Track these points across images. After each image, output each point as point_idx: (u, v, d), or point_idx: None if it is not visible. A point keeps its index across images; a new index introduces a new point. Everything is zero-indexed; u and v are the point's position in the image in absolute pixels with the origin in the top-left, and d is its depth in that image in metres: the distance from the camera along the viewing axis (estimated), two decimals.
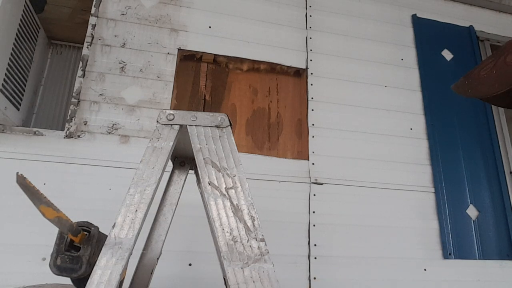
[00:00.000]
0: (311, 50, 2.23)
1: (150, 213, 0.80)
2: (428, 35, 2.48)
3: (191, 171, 1.08)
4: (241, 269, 0.69)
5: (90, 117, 1.79)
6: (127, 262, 0.70)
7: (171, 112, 0.85)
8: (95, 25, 1.92)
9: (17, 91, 1.87)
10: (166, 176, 0.99)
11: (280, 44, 2.19)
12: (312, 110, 2.11)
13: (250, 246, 0.72)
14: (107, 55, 1.90)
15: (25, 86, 1.97)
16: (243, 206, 0.76)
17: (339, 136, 2.10)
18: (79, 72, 1.82)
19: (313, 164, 2.00)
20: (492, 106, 2.42)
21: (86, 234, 0.71)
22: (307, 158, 2.02)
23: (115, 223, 0.72)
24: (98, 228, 0.75)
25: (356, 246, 1.91)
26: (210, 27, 2.10)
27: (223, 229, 0.73)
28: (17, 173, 0.56)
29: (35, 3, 1.99)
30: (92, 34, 1.90)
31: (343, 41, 2.32)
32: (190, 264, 1.69)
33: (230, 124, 0.85)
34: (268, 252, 0.72)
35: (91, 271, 0.67)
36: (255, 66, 2.15)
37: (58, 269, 0.69)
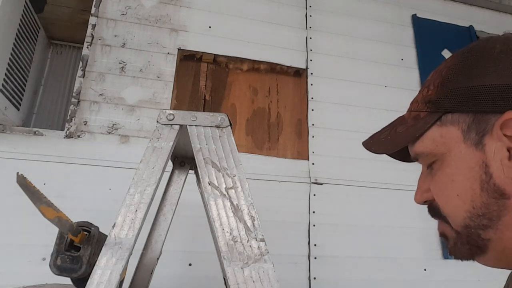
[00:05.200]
0: (311, 50, 2.23)
1: (150, 213, 0.80)
2: (428, 35, 2.48)
3: (191, 171, 1.08)
4: (241, 269, 0.69)
5: (90, 117, 1.79)
6: (127, 262, 0.70)
7: (171, 112, 0.85)
8: (95, 25, 1.92)
9: (17, 91, 1.87)
10: (166, 176, 0.99)
11: (280, 44, 2.19)
12: (312, 110, 2.11)
13: (250, 246, 0.72)
14: (107, 55, 1.90)
15: (25, 86, 1.97)
16: (243, 206, 0.76)
17: (339, 136, 2.10)
18: (79, 72, 1.82)
19: (313, 164, 2.00)
20: None
21: (86, 234, 0.71)
22: (307, 158, 2.02)
23: (115, 223, 0.72)
24: (98, 228, 0.75)
25: (356, 246, 1.91)
26: (210, 27, 2.10)
27: (223, 229, 0.73)
28: (17, 173, 0.56)
29: (35, 3, 1.99)
30: (92, 34, 1.90)
31: (343, 41, 2.32)
32: (190, 264, 1.69)
33: (230, 124, 0.85)
34: (268, 252, 0.71)
35: (91, 271, 0.67)
36: (255, 66, 2.15)
37: (58, 269, 0.69)
